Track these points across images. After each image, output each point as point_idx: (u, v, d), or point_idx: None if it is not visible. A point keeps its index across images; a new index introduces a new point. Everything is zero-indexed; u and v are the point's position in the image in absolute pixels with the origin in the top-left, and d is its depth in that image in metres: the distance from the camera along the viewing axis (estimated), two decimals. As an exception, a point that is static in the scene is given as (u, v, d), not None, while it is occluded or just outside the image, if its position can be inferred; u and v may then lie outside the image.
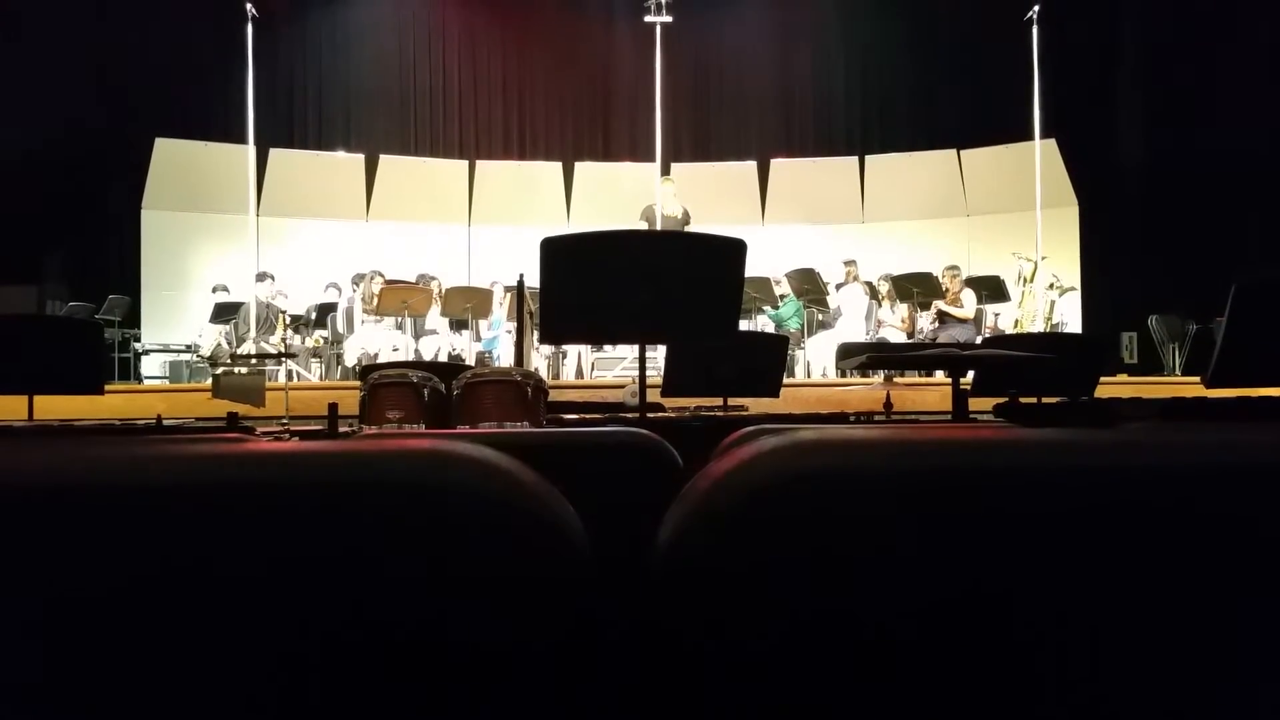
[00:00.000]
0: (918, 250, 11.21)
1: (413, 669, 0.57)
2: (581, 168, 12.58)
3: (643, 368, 2.94)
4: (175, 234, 11.29)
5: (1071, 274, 10.85)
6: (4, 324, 4.00)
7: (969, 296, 9.61)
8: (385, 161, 12.26)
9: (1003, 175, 11.53)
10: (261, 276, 9.85)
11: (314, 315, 10.16)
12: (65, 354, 3.83)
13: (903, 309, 9.95)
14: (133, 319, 10.91)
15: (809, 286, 9.83)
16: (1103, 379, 4.83)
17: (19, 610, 0.56)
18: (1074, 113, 11.50)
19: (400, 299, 9.09)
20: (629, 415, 3.79)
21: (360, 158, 12.31)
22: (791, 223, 12.13)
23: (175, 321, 10.99)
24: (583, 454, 1.33)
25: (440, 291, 9.63)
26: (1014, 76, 10.71)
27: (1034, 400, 3.68)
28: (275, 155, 11.76)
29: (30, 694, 0.56)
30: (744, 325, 9.02)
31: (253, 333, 9.30)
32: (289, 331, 8.76)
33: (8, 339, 3.73)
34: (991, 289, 9.72)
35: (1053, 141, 11.03)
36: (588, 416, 4.07)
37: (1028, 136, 10.50)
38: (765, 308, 9.76)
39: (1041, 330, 9.36)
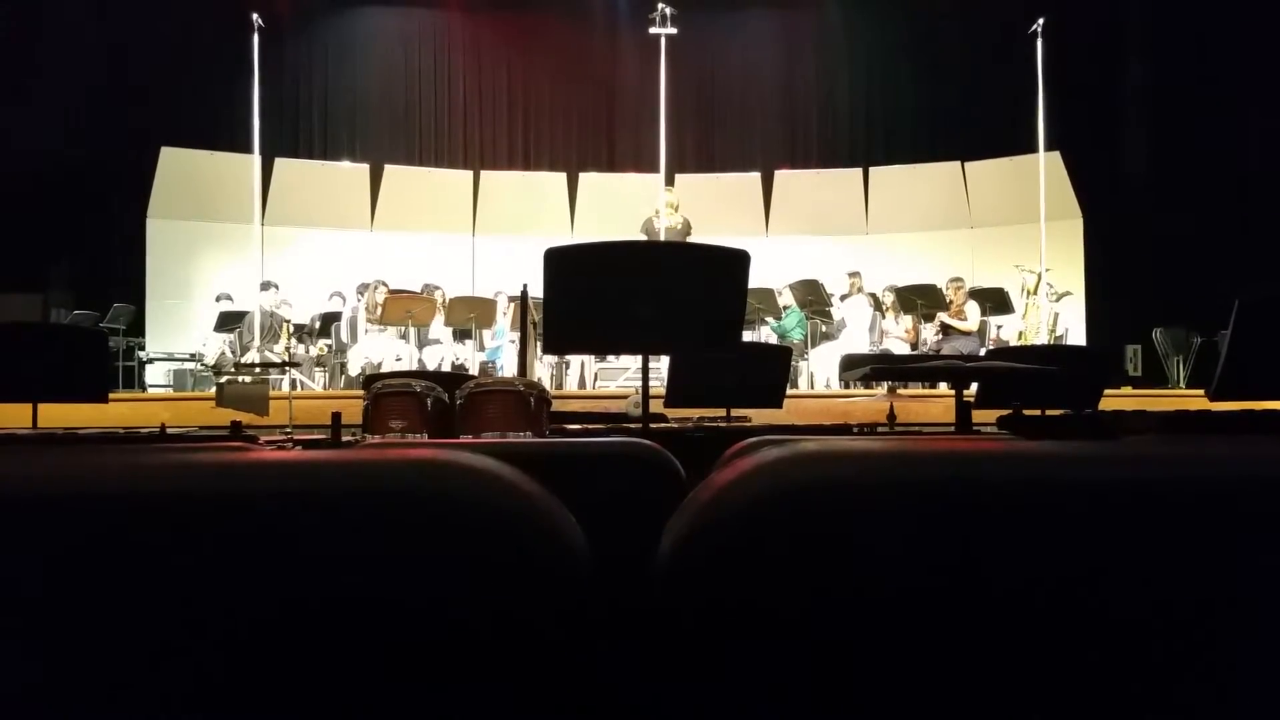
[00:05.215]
0: (922, 262, 11.22)
1: (414, 675, 0.57)
2: (586, 179, 12.60)
3: (646, 378, 2.94)
4: (180, 243, 11.31)
5: (1075, 286, 10.85)
6: (8, 332, 4.01)
7: (973, 308, 9.61)
8: (390, 171, 12.28)
9: (1006, 188, 11.53)
10: (266, 285, 9.87)
11: (318, 324, 10.18)
12: (69, 362, 3.83)
13: (906, 320, 9.95)
14: (137, 327, 10.92)
15: (812, 298, 9.83)
16: (1107, 391, 4.82)
17: (22, 615, 0.56)
18: (1078, 125, 11.50)
19: (404, 309, 9.10)
20: (632, 426, 3.79)
21: (365, 168, 12.33)
22: (795, 234, 12.13)
23: (180, 330, 11.00)
24: (585, 464, 1.33)
25: (444, 301, 9.63)
26: (1018, 89, 10.72)
27: (1038, 413, 3.68)
28: (280, 165, 11.78)
29: (30, 697, 0.57)
30: (747, 336, 9.02)
31: (257, 342, 9.31)
32: (293, 340, 8.77)
33: (12, 347, 3.74)
34: (995, 301, 9.72)
35: (1057, 154, 11.02)
36: (591, 427, 4.07)
37: (1032, 149, 10.49)
38: (769, 319, 9.76)
39: (1045, 342, 9.35)
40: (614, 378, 9.50)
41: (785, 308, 9.88)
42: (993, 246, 11.56)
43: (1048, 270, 9.92)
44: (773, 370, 4.50)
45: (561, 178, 12.60)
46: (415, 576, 0.57)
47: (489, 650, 0.58)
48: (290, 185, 11.75)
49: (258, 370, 7.06)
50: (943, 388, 8.06)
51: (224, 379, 6.59)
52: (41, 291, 11.02)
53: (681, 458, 1.33)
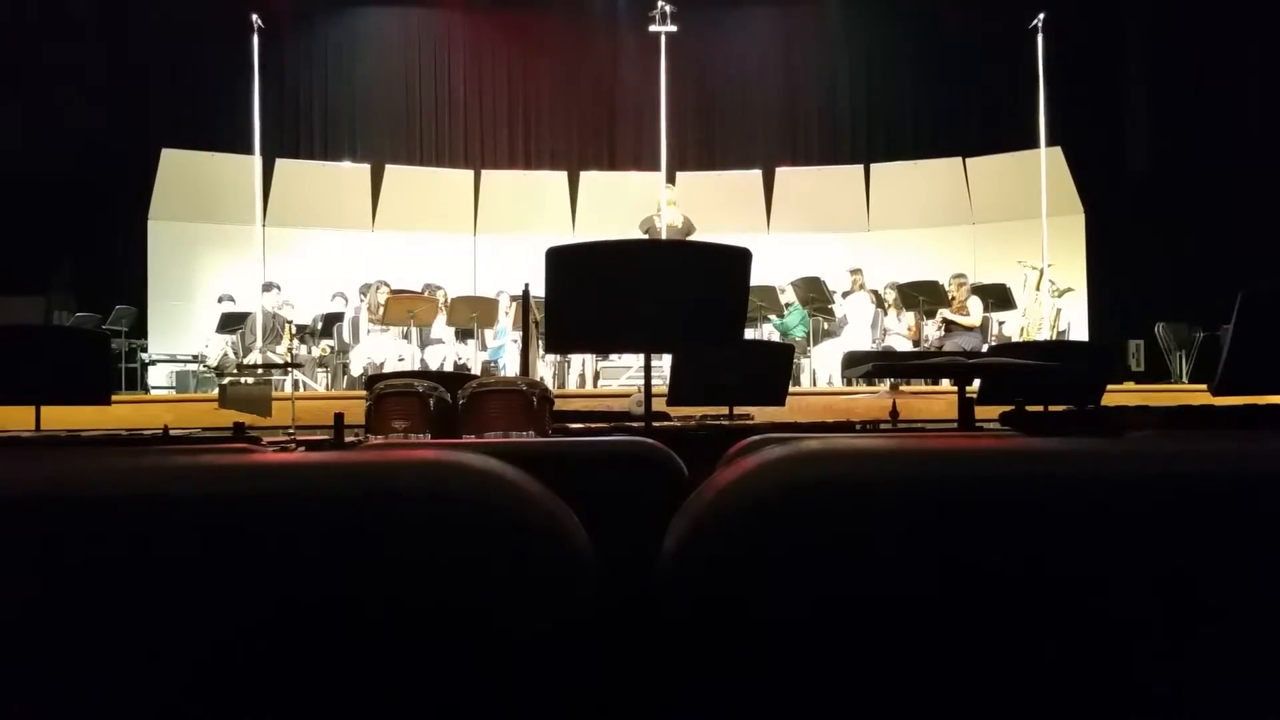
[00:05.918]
0: (923, 258, 11.21)
1: (416, 676, 0.57)
2: (587, 177, 12.59)
3: (648, 377, 2.94)
4: (182, 244, 11.32)
5: (1077, 281, 10.84)
6: (11, 334, 4.01)
7: (975, 304, 9.60)
8: (391, 171, 12.28)
9: (1008, 183, 11.52)
10: (268, 287, 9.86)
11: (320, 325, 10.18)
12: (72, 364, 3.83)
13: (909, 317, 9.94)
14: (139, 329, 10.93)
15: (814, 295, 9.83)
16: (1109, 387, 4.82)
17: (25, 618, 0.56)
18: (1079, 120, 11.49)
19: (406, 309, 9.10)
20: (634, 424, 3.79)
21: (366, 168, 12.34)
22: (797, 231, 12.12)
23: (182, 332, 11.01)
24: (588, 464, 1.33)
25: (446, 301, 9.63)
26: (1019, 84, 10.72)
27: (1040, 408, 3.68)
28: (281, 165, 11.79)
29: (34, 699, 0.57)
30: (749, 334, 9.02)
31: (259, 343, 9.31)
32: (295, 341, 8.77)
33: (15, 349, 3.74)
34: (997, 297, 9.71)
35: (1058, 149, 11.01)
36: (593, 426, 4.07)
37: (1033, 144, 10.48)
38: (771, 316, 9.76)
39: (1048, 338, 9.35)
40: (616, 376, 9.50)
41: (787, 305, 9.88)
42: (994, 242, 11.55)
43: (1050, 265, 9.90)
44: (775, 368, 4.49)
45: (562, 176, 12.60)
46: (418, 578, 0.57)
47: (492, 651, 0.58)
48: (291, 186, 11.76)
49: (260, 371, 7.06)
50: (945, 384, 8.05)
51: (226, 380, 6.59)
52: (43, 294, 11.04)
53: (684, 456, 1.33)
